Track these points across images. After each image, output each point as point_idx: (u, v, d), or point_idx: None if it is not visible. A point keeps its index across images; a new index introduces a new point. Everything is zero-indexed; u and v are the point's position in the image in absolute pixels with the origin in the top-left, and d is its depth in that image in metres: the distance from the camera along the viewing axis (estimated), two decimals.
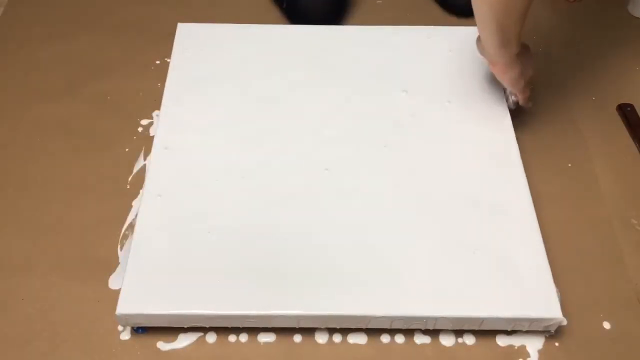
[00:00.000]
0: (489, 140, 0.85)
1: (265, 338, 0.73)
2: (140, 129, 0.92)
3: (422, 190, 0.80)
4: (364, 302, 0.71)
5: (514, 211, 0.79)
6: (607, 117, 0.96)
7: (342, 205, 0.79)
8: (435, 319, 0.71)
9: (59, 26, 1.07)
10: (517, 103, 0.89)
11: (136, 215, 0.79)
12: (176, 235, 0.76)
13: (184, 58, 0.95)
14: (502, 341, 0.73)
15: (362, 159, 0.83)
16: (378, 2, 1.13)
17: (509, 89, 0.88)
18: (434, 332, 0.73)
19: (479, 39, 0.82)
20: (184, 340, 0.73)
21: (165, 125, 0.86)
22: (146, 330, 0.73)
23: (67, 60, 1.02)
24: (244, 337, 0.73)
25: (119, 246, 0.80)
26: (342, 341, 0.73)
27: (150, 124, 0.93)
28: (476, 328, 0.72)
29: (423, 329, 0.73)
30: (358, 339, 0.73)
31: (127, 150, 0.90)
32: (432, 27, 1.00)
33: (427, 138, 0.86)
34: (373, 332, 0.73)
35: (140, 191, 0.84)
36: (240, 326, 0.72)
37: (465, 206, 0.79)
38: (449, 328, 0.73)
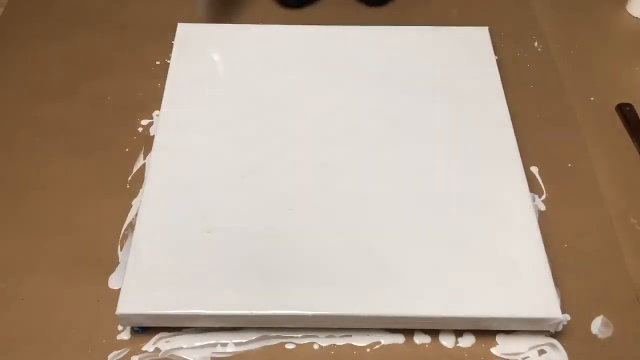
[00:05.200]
0: (488, 140, 0.85)
1: (266, 338, 0.73)
2: (140, 129, 0.92)
3: (422, 190, 0.80)
4: (364, 302, 0.71)
5: (514, 211, 0.79)
6: (607, 117, 0.96)
7: (342, 205, 0.79)
8: (435, 319, 0.71)
9: (59, 26, 1.07)
10: None
11: (136, 215, 0.79)
12: (176, 235, 0.76)
13: (184, 58, 0.95)
14: (502, 341, 0.73)
15: (361, 159, 0.83)
16: None
17: None
18: (434, 332, 0.73)
19: None
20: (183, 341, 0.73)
21: (165, 125, 0.87)
22: (146, 330, 0.73)
23: (67, 60, 1.02)
24: (244, 338, 0.73)
25: (119, 246, 0.80)
26: (342, 341, 0.73)
27: (150, 124, 0.93)
28: (476, 328, 0.73)
29: (423, 329, 0.73)
30: (358, 339, 0.73)
31: (127, 150, 0.90)
32: (432, 27, 1.00)
33: (426, 138, 0.86)
34: (373, 332, 0.73)
35: (140, 191, 0.84)
36: (240, 326, 0.72)
37: (465, 206, 0.79)
38: (449, 328, 0.73)
